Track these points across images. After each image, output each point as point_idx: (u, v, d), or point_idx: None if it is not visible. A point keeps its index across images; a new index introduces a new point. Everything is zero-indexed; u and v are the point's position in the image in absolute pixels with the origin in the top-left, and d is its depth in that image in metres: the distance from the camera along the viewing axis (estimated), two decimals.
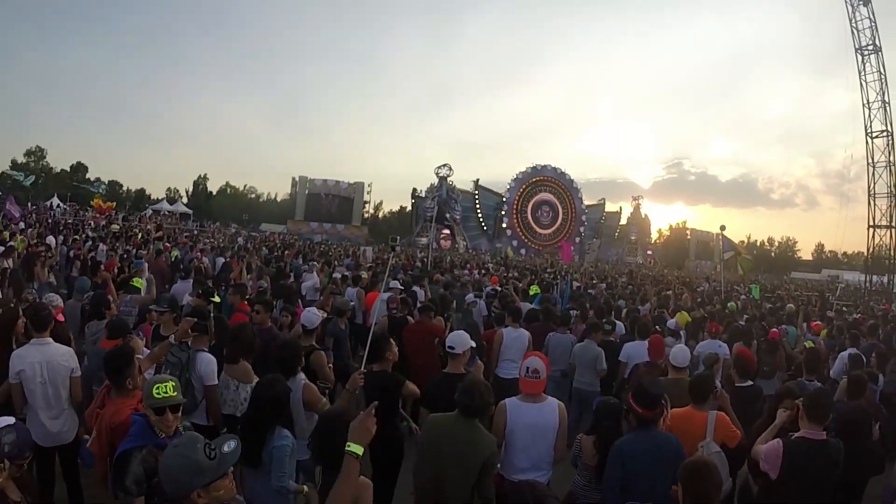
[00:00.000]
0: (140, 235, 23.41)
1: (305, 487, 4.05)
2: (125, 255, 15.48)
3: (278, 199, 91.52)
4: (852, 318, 15.13)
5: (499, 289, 14.10)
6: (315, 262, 17.32)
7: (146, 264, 12.20)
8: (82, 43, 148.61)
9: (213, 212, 75.47)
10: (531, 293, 12.89)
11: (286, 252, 23.74)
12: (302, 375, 4.99)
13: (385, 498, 5.19)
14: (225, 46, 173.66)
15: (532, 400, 4.56)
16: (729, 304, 15.03)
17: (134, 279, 9.16)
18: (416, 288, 12.59)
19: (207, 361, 5.20)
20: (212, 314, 6.11)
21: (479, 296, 12.22)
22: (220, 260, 16.55)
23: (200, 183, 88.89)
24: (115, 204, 46.43)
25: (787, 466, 4.16)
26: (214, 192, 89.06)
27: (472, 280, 17.52)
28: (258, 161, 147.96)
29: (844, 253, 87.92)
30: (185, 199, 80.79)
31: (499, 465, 4.36)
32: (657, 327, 9.18)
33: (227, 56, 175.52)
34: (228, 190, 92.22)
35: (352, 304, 10.09)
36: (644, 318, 9.85)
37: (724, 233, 18.45)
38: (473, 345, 5.50)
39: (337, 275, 14.58)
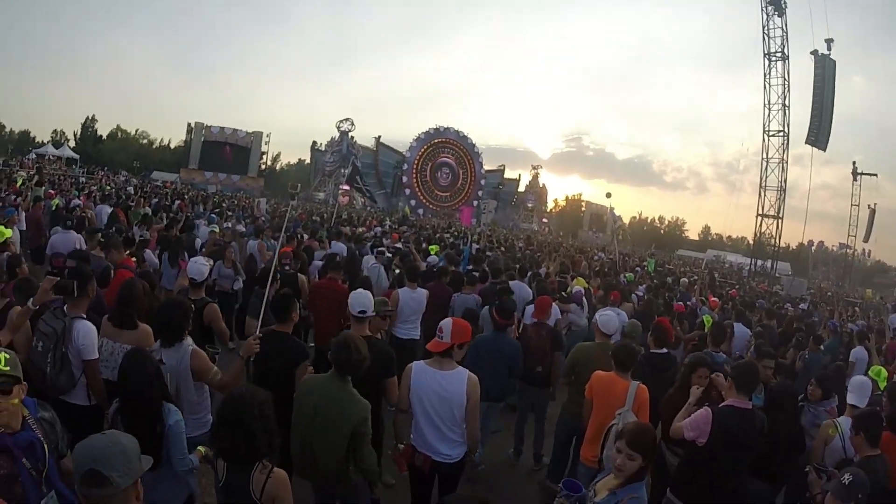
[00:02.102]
0: (20, 182, 21.11)
1: (202, 449, 3.59)
2: None
3: (172, 146, 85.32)
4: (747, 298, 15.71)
5: (399, 246, 13.67)
6: (213, 215, 16.50)
7: (22, 213, 11.02)
8: None
9: (103, 157, 69.91)
10: (432, 252, 12.78)
11: (177, 202, 22.61)
12: (189, 341, 4.24)
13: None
14: None
15: (438, 366, 4.20)
16: (626, 275, 15.21)
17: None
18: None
19: (86, 331, 4.31)
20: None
21: (382, 252, 11.94)
22: (106, 209, 15.26)
23: (89, 126, 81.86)
24: None
25: (716, 432, 4.21)
26: (104, 136, 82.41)
27: (373, 237, 17.16)
28: (152, 104, 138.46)
29: (729, 236, 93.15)
30: (72, 143, 74.43)
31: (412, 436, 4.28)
32: (562, 293, 9.39)
33: None
34: (119, 134, 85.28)
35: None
36: (550, 282, 10.09)
37: (614, 208, 18.81)
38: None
39: (228, 225, 13.81)
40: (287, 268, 8.47)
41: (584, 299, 9.77)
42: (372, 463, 3.98)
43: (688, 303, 11.90)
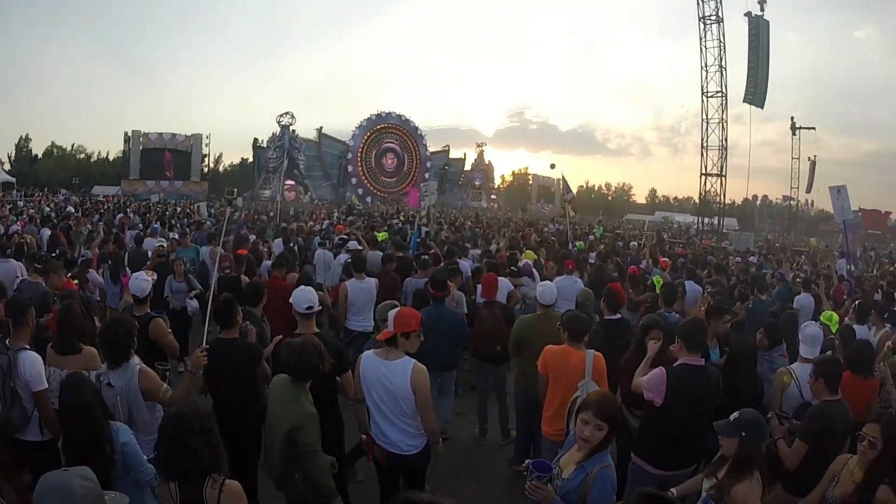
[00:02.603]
0: None
1: None
2: None
3: (111, 158, 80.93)
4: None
5: (346, 237, 13.46)
6: (157, 226, 16.09)
7: None
8: None
9: (40, 177, 67.10)
10: (380, 238, 12.50)
11: (119, 216, 21.94)
12: (136, 360, 4.07)
13: (249, 490, 4.51)
14: None
15: (385, 355, 4.12)
16: (578, 244, 15.24)
17: None
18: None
19: (31, 362, 4.10)
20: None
21: (323, 244, 11.83)
22: (47, 232, 14.83)
23: (23, 146, 78.53)
24: None
25: (671, 391, 4.25)
26: (40, 155, 79.03)
27: (320, 231, 17.06)
28: (86, 117, 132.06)
29: (676, 197, 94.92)
30: (7, 166, 70.34)
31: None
32: (512, 268, 9.36)
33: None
34: (55, 151, 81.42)
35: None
36: (499, 258, 10.06)
37: (565, 178, 18.81)
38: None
39: (174, 235, 13.41)
40: (227, 271, 8.22)
41: (533, 271, 9.75)
42: (323, 477, 3.87)
43: (640, 265, 11.95)
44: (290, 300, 4.93)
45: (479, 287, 7.63)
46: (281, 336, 4.95)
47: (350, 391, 4.46)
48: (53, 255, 9.37)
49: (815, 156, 58.99)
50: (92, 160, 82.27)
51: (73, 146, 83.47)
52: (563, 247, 14.21)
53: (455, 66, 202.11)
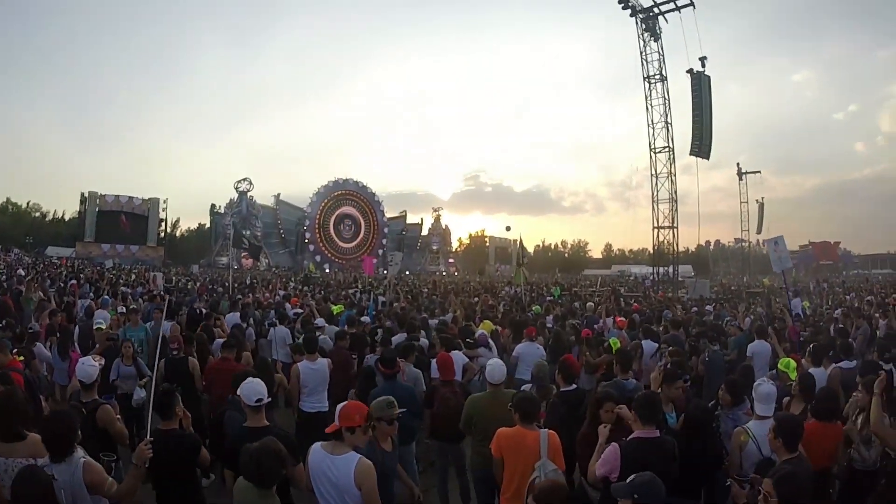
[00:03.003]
0: None
1: None
2: None
3: (66, 218, 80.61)
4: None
5: (300, 311, 13.24)
6: (107, 297, 15.60)
7: None
8: None
9: None
10: (335, 312, 12.30)
11: (71, 283, 21.25)
12: (80, 453, 3.87)
13: None
14: (3, 38, 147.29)
15: (331, 449, 4.05)
16: (534, 308, 15.19)
17: None
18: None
19: None
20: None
21: (273, 324, 11.54)
22: None
23: None
24: None
25: (625, 466, 4.16)
26: None
27: (273, 303, 16.50)
28: (42, 174, 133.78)
29: (631, 250, 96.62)
30: None
31: None
32: (467, 339, 9.25)
33: (5, 50, 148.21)
34: (10, 208, 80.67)
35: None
36: (451, 332, 9.91)
37: (522, 242, 18.99)
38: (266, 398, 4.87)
39: (122, 309, 12.97)
40: (175, 353, 7.91)
41: (490, 342, 9.65)
42: None
43: (595, 326, 11.93)
44: (238, 392, 4.80)
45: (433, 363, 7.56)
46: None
47: (301, 483, 4.34)
48: (0, 326, 9.03)
49: (762, 198, 61.77)
50: (47, 219, 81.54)
51: (28, 203, 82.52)
52: (521, 312, 14.19)
53: (410, 133, 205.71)
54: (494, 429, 4.95)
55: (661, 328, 11.91)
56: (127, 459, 4.55)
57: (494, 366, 6.12)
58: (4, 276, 21.97)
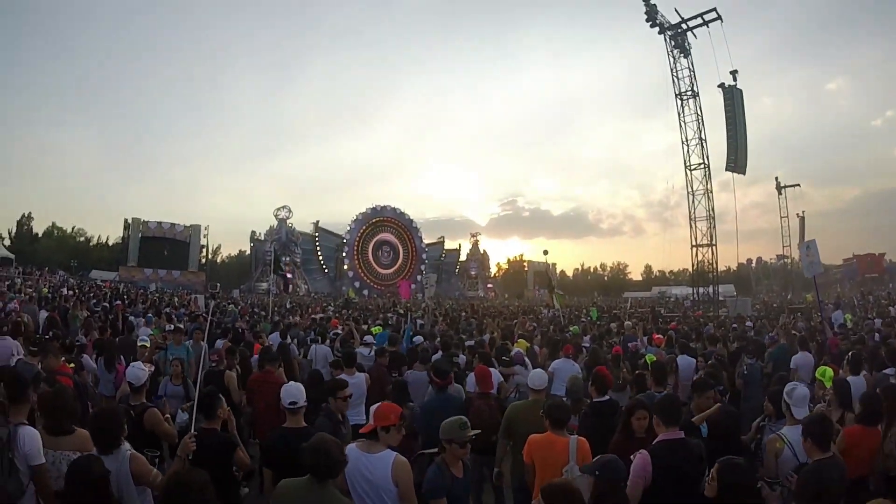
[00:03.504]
0: None
1: None
2: None
3: (110, 243, 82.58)
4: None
5: (340, 332, 13.48)
6: (150, 315, 16.03)
7: None
8: None
9: (39, 256, 66.49)
10: (374, 333, 12.60)
11: (116, 303, 21.73)
12: (127, 446, 4.14)
13: None
14: (52, 73, 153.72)
15: (366, 448, 4.12)
16: (572, 328, 15.23)
17: None
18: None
19: (31, 437, 4.14)
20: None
21: (315, 340, 11.80)
22: (44, 313, 14.91)
23: (25, 223, 78.95)
24: None
25: (657, 470, 4.24)
26: (40, 234, 79.54)
27: (313, 324, 16.92)
28: (88, 200, 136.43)
29: (671, 271, 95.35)
30: (7, 242, 70.99)
31: None
32: (503, 357, 9.39)
33: (55, 84, 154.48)
34: (56, 232, 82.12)
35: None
36: (484, 349, 10.11)
37: (552, 264, 19.13)
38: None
39: (170, 327, 13.37)
40: (214, 365, 8.35)
41: (525, 359, 9.72)
42: None
43: (629, 344, 11.95)
44: (281, 395, 5.03)
45: (471, 377, 7.79)
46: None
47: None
48: (48, 337, 9.39)
49: (803, 211, 60.22)
50: (91, 244, 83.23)
51: (73, 228, 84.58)
52: (558, 332, 14.24)
53: (448, 158, 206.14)
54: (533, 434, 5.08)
55: (698, 345, 11.92)
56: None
57: (536, 373, 6.44)
58: (51, 296, 22.58)
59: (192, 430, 4.52)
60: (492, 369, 8.08)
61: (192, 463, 4.35)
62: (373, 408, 4.29)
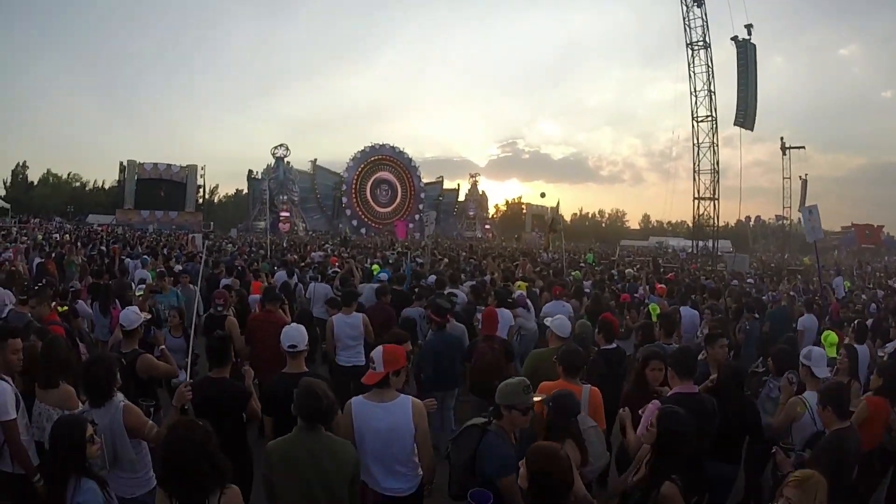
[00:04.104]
0: None
1: None
2: None
3: (106, 187, 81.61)
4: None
5: (338, 270, 13.32)
6: (146, 256, 15.79)
7: None
8: None
9: (35, 204, 67.31)
10: (374, 272, 12.52)
11: (114, 246, 21.59)
12: (120, 397, 3.93)
13: None
14: (40, 18, 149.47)
15: (378, 398, 3.90)
16: (574, 273, 15.07)
17: None
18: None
19: None
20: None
21: (315, 278, 11.82)
22: (37, 260, 14.65)
23: (19, 172, 78.93)
24: None
25: None
26: (35, 182, 79.28)
27: (314, 262, 16.76)
28: (82, 145, 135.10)
29: (669, 222, 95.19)
30: (2, 192, 71.87)
31: None
32: (507, 300, 9.04)
33: (43, 30, 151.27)
34: (51, 179, 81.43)
35: None
36: (486, 287, 10.16)
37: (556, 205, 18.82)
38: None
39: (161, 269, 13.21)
40: (220, 309, 7.85)
41: (528, 302, 9.58)
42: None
43: (635, 294, 11.81)
44: (281, 338, 4.81)
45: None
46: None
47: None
48: (40, 284, 9.29)
49: (806, 174, 59.14)
50: (87, 189, 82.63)
51: (69, 174, 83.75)
52: (556, 276, 14.10)
53: (447, 98, 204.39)
54: None
55: (697, 298, 11.84)
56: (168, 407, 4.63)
57: (562, 320, 6.16)
58: (44, 243, 22.27)
59: (188, 378, 4.34)
60: (503, 310, 8.03)
61: (201, 414, 4.12)
62: (377, 352, 3.98)
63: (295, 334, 4.76)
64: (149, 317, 5.99)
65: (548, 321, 6.21)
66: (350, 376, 7.20)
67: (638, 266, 21.43)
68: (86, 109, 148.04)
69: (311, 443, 3.38)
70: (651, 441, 3.56)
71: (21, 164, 79.57)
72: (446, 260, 19.73)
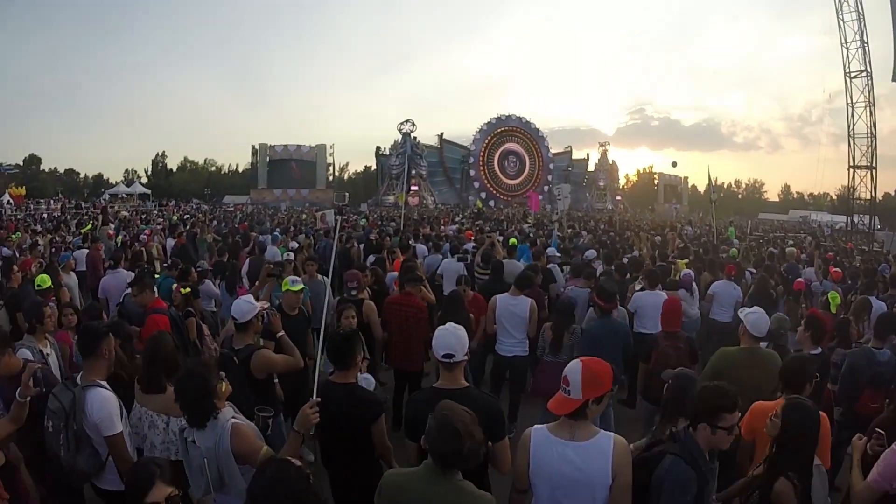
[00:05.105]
0: (88, 226, 19.24)
1: None
2: (55, 250, 14.17)
3: (240, 170, 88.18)
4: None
5: (476, 245, 12.82)
6: (277, 233, 15.88)
7: (73, 259, 10.74)
8: (19, 31, 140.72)
9: (174, 189, 73.63)
10: (510, 244, 11.44)
11: (241, 223, 22.18)
12: (227, 414, 3.31)
13: None
14: (167, 17, 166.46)
15: (568, 433, 2.91)
16: (731, 251, 13.85)
17: (39, 277, 7.02)
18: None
19: (100, 402, 3.56)
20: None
21: (464, 258, 10.90)
22: (172, 241, 14.91)
23: (159, 161, 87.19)
24: (23, 190, 40.31)
25: None
26: (174, 169, 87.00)
27: (449, 237, 15.95)
28: (216, 133, 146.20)
29: (811, 194, 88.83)
30: (143, 180, 79.00)
31: None
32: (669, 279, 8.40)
33: (170, 28, 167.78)
34: (188, 166, 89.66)
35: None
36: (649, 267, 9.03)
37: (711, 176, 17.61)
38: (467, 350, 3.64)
39: (294, 244, 13.24)
40: (354, 293, 7.15)
41: (693, 285, 8.78)
42: None
43: (812, 283, 10.42)
44: (433, 343, 3.65)
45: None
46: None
47: (504, 465, 3.35)
48: (167, 265, 9.35)
49: None
50: (222, 172, 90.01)
51: (204, 160, 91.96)
52: (708, 254, 13.08)
53: (572, 66, 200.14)
54: (750, 398, 3.84)
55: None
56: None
57: (760, 315, 4.88)
58: (182, 224, 23.02)
59: (315, 396, 3.51)
60: (657, 292, 7.47)
61: (324, 427, 3.52)
62: (574, 370, 2.90)
63: (451, 340, 3.54)
64: (266, 306, 5.13)
65: (743, 313, 4.96)
66: (509, 368, 6.76)
67: (790, 243, 19.66)
68: (217, 98, 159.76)
69: (434, 488, 2.65)
70: (774, 433, 3.21)
71: (160, 153, 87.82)
72: (586, 234, 18.94)
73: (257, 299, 5.27)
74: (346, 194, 50.62)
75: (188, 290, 6.88)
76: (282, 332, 4.89)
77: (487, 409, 3.32)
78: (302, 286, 6.48)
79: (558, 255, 11.02)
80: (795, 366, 3.93)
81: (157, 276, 8.04)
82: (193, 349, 6.15)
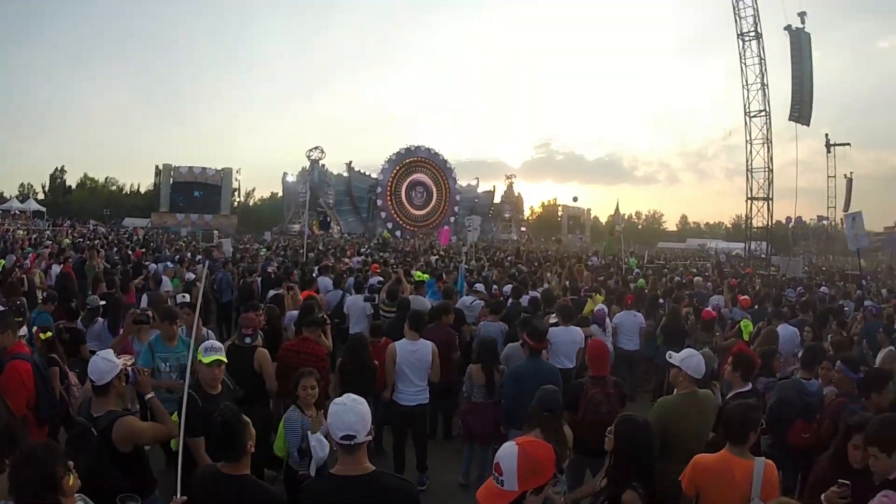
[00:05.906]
0: None
1: None
2: None
3: (142, 191, 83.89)
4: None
5: (382, 280, 12.07)
6: (170, 263, 14.75)
7: None
8: None
9: (72, 208, 68.88)
10: (416, 278, 10.61)
11: (138, 250, 20.62)
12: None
13: None
14: (77, 25, 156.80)
15: None
16: (639, 282, 13.83)
17: None
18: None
19: None
20: None
21: (371, 298, 9.88)
22: (57, 268, 13.54)
23: (58, 176, 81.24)
24: None
25: None
26: (73, 186, 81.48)
27: (353, 271, 14.88)
28: (120, 150, 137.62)
29: (707, 223, 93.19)
30: (40, 196, 73.67)
31: None
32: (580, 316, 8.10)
33: (80, 37, 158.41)
34: (88, 183, 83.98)
35: None
36: (563, 301, 8.78)
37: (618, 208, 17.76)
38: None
39: (190, 275, 12.28)
40: (248, 340, 6.08)
41: (606, 319, 8.48)
42: None
43: (712, 306, 10.46)
44: (328, 420, 3.05)
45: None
46: None
47: None
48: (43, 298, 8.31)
49: (851, 173, 58.03)
50: (123, 192, 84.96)
51: (105, 178, 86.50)
52: (625, 285, 12.97)
53: (481, 100, 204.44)
54: (693, 447, 3.63)
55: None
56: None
57: (697, 358, 4.43)
58: (73, 247, 21.14)
59: (178, 496, 2.94)
60: (571, 328, 7.18)
61: None
62: (507, 455, 2.26)
63: (350, 418, 2.86)
64: (131, 362, 4.29)
65: (674, 358, 4.46)
66: (411, 419, 6.15)
67: (708, 272, 20.00)
68: (122, 114, 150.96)
69: None
70: (609, 448, 3.39)
71: (59, 168, 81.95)
72: (493, 266, 18.59)
73: (118, 355, 4.20)
74: (215, 231, 45.12)
75: (48, 334, 5.73)
76: (152, 394, 4.08)
77: (403, 498, 2.89)
78: (217, 356, 4.54)
79: (483, 291, 10.48)
80: (735, 415, 3.52)
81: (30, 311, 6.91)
82: (62, 402, 5.15)
